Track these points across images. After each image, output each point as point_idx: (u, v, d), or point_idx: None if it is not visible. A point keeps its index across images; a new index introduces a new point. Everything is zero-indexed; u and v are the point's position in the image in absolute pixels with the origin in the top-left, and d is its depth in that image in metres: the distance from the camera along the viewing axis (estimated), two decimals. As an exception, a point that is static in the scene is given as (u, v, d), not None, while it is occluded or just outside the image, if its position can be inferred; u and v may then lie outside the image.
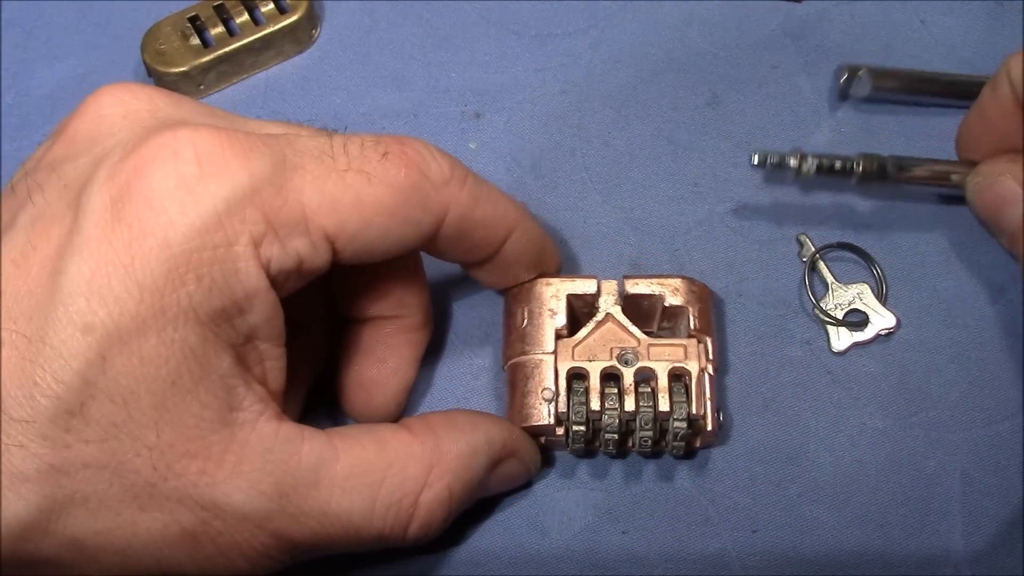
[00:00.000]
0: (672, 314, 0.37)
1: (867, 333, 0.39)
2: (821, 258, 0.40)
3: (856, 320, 0.39)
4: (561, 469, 0.37)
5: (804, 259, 0.40)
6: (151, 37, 0.44)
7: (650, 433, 0.35)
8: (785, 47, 0.45)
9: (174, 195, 0.26)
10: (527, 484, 0.37)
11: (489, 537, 0.36)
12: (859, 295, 0.40)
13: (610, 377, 0.35)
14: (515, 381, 0.36)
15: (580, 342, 0.36)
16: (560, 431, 0.35)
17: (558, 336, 0.36)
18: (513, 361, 0.36)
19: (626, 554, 0.36)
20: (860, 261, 0.40)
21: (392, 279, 0.34)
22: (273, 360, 0.30)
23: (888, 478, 0.37)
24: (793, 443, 0.38)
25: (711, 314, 0.37)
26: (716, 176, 0.42)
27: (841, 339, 0.39)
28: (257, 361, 0.29)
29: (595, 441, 0.36)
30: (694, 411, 0.35)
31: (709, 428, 0.35)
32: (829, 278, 0.40)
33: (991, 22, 0.45)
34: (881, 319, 0.39)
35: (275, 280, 0.28)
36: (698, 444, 0.36)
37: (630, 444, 0.36)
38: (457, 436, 0.32)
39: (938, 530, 0.36)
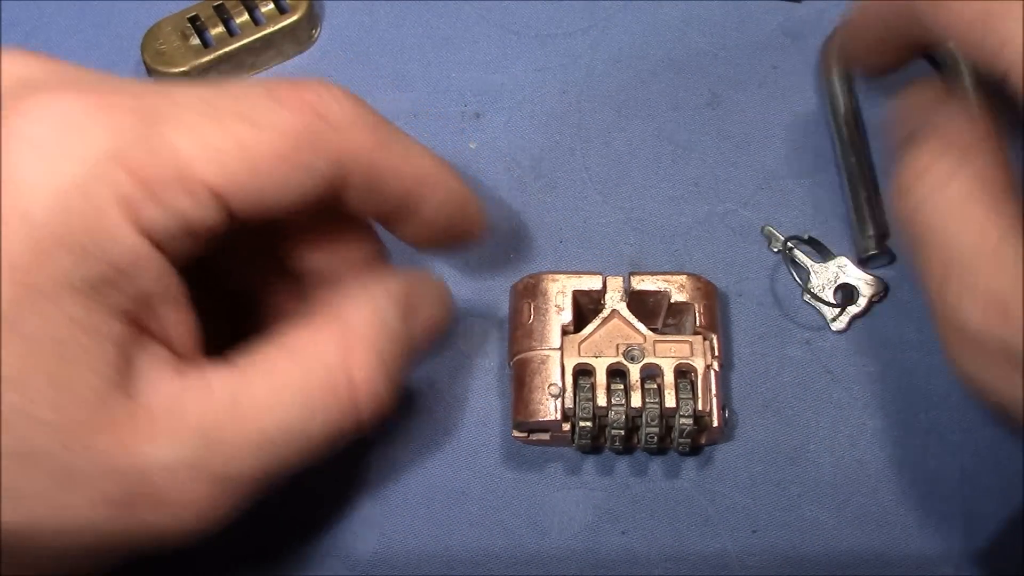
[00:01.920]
0: (678, 311, 0.37)
1: (860, 304, 0.39)
2: (794, 247, 0.40)
3: (847, 294, 0.40)
4: (561, 468, 0.37)
5: (775, 250, 0.40)
6: (151, 37, 0.44)
7: (656, 430, 0.35)
8: (785, 47, 0.45)
9: (32, 167, 0.25)
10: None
11: (489, 537, 0.36)
12: (840, 268, 0.40)
13: (616, 373, 0.35)
14: (521, 377, 0.36)
15: (586, 338, 0.36)
16: (566, 427, 0.35)
17: (564, 332, 0.36)
18: (519, 357, 0.36)
19: (626, 554, 0.36)
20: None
21: (330, 232, 0.33)
22: (178, 324, 0.28)
23: (888, 478, 0.37)
24: (793, 443, 0.38)
25: (716, 311, 0.37)
26: (716, 176, 0.42)
27: (839, 317, 0.39)
28: (159, 325, 0.28)
29: (601, 437, 0.36)
30: (700, 407, 0.35)
31: (715, 424, 0.35)
32: (807, 261, 0.40)
33: (991, 22, 0.45)
34: (869, 286, 0.39)
35: (160, 242, 0.26)
36: (704, 441, 0.36)
37: (636, 441, 0.36)
38: (357, 304, 0.31)
39: (938, 530, 0.36)
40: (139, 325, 0.27)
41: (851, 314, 0.39)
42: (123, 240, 0.26)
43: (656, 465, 0.37)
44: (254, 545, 0.36)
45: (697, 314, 0.36)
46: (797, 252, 0.40)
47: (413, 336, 0.32)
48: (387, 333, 0.30)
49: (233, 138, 0.27)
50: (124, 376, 0.26)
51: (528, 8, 0.46)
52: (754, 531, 0.36)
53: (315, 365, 0.29)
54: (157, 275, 0.27)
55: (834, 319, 0.39)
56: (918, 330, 0.39)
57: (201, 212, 0.27)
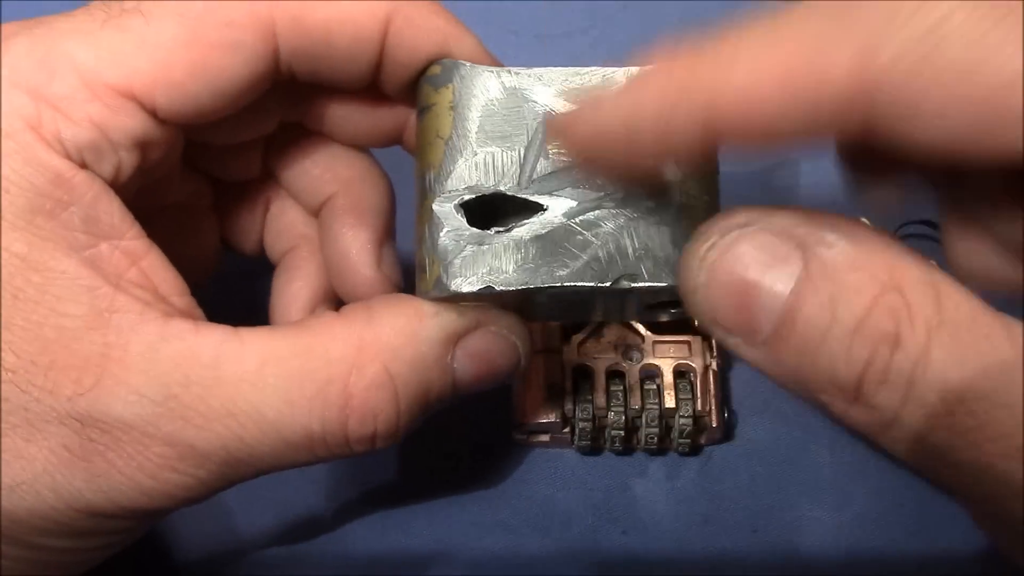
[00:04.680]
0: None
1: None
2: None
3: None
4: (561, 469, 0.37)
5: None
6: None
7: (656, 430, 0.35)
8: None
9: None
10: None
11: (489, 537, 0.36)
12: None
13: (615, 374, 0.35)
14: (521, 378, 0.36)
15: (585, 339, 0.36)
16: (566, 428, 0.35)
17: (564, 333, 0.36)
18: (518, 358, 0.36)
19: (626, 554, 0.36)
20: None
21: (312, 146, 0.31)
22: (147, 259, 0.26)
23: (888, 478, 0.37)
24: (793, 443, 0.38)
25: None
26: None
27: None
28: (127, 263, 0.26)
29: (601, 438, 0.36)
30: (699, 408, 0.35)
31: (714, 424, 0.35)
32: None
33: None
34: None
35: (80, 159, 0.25)
36: (704, 441, 0.37)
37: (636, 441, 0.36)
38: (396, 308, 0.27)
39: (938, 530, 0.36)
40: (105, 264, 0.25)
41: None
42: (43, 162, 0.24)
43: (656, 465, 0.37)
44: (253, 545, 0.36)
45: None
46: None
47: (459, 372, 0.27)
48: (414, 351, 0.26)
49: (131, 34, 0.25)
50: (93, 315, 0.25)
51: (528, 8, 0.46)
52: (754, 531, 0.36)
53: (316, 353, 0.26)
54: (94, 199, 0.25)
55: None
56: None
57: (118, 119, 0.25)
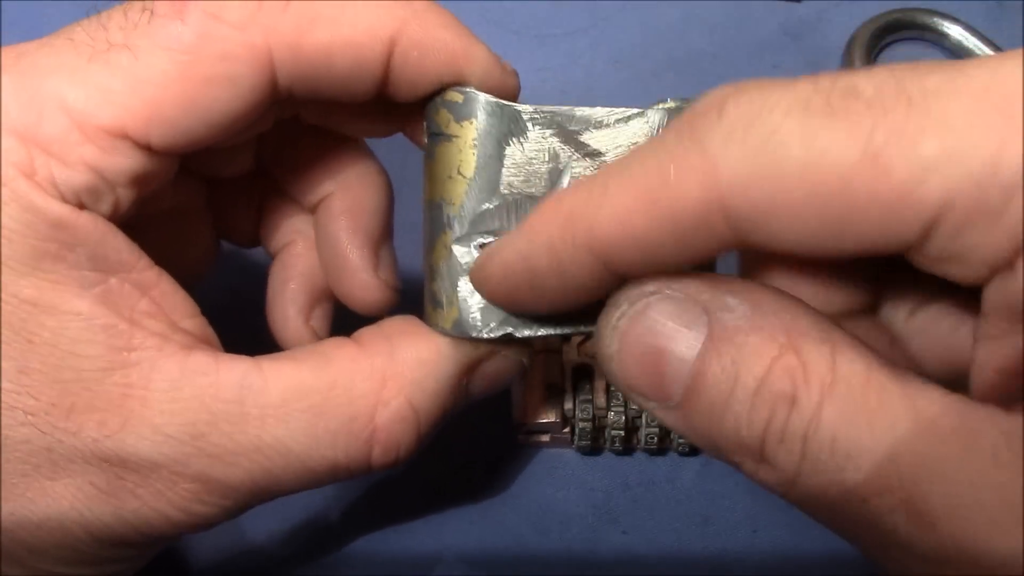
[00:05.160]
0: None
1: None
2: None
3: None
4: (562, 469, 0.37)
5: None
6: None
7: (656, 430, 0.35)
8: (785, 47, 0.45)
9: None
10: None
11: (489, 537, 0.36)
12: None
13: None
14: (521, 378, 0.36)
15: (585, 339, 0.36)
16: (566, 429, 0.35)
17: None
18: (518, 358, 0.36)
19: (626, 554, 0.36)
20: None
21: (314, 151, 0.31)
22: (158, 288, 0.26)
23: (888, 478, 0.37)
24: (793, 443, 0.38)
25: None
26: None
27: None
28: (138, 294, 0.26)
29: (601, 438, 0.36)
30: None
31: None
32: None
33: (991, 22, 0.45)
34: None
35: (78, 202, 0.25)
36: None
37: (636, 441, 0.36)
38: (416, 340, 0.27)
39: (938, 530, 0.36)
40: (117, 301, 0.25)
41: None
42: (41, 209, 0.24)
43: (656, 465, 0.37)
44: (252, 544, 0.36)
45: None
46: None
47: (471, 392, 0.29)
48: (435, 385, 0.27)
49: (120, 71, 0.24)
50: (112, 354, 0.25)
51: (528, 8, 0.46)
52: (754, 531, 0.36)
53: (340, 387, 0.26)
54: (100, 238, 0.25)
55: None
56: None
57: (113, 159, 0.25)
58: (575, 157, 0.26)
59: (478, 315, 0.26)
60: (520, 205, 0.26)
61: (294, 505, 0.37)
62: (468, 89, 0.26)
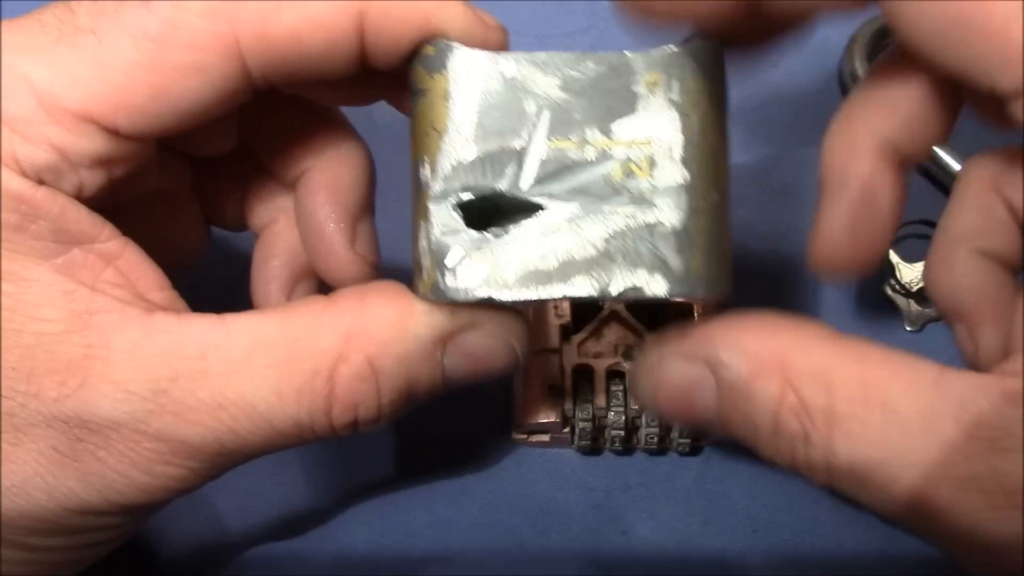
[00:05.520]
0: (677, 310, 0.37)
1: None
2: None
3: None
4: (561, 469, 0.37)
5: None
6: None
7: (656, 430, 0.35)
8: (785, 46, 0.45)
9: None
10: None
11: (489, 537, 0.36)
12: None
13: (616, 374, 0.35)
14: (521, 378, 0.36)
15: (585, 339, 0.36)
16: (566, 428, 0.35)
17: (563, 333, 0.36)
18: (519, 358, 0.36)
19: (626, 554, 0.36)
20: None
21: (290, 126, 0.30)
22: (123, 258, 0.26)
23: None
24: (793, 443, 0.38)
25: (716, 310, 0.37)
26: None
27: (913, 316, 0.39)
28: (102, 264, 0.26)
29: (601, 438, 0.36)
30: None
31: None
32: (894, 257, 0.40)
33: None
34: None
35: (38, 179, 0.25)
36: (704, 441, 0.37)
37: (636, 441, 0.36)
38: (389, 300, 0.26)
39: (938, 530, 0.36)
40: (79, 267, 0.25)
41: (928, 317, 0.39)
42: (2, 182, 0.24)
43: (656, 465, 0.37)
44: (252, 545, 0.36)
45: (696, 313, 0.36)
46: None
47: (449, 368, 0.27)
48: (402, 347, 0.26)
49: (86, 55, 0.24)
50: (73, 318, 0.25)
51: (528, 8, 0.46)
52: (754, 531, 0.36)
53: (305, 341, 0.25)
54: (60, 212, 0.25)
55: (912, 319, 0.39)
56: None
57: (78, 141, 0.25)
58: (557, 100, 0.25)
59: (456, 278, 0.25)
60: (498, 158, 0.25)
61: (291, 506, 0.37)
62: (441, 41, 0.25)
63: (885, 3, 0.24)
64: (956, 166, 0.40)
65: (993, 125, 0.25)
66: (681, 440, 0.35)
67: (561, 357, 0.35)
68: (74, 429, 0.24)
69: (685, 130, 0.25)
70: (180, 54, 0.25)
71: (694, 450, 0.37)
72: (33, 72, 0.24)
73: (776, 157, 0.43)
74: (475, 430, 0.38)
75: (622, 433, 0.35)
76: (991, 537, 0.22)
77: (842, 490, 0.24)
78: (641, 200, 0.25)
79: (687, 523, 0.36)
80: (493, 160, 0.25)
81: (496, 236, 0.25)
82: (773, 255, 0.41)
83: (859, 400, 0.23)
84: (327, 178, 0.30)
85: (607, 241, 0.25)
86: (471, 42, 0.25)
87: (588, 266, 0.25)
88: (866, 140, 0.27)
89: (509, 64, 0.25)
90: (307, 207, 0.30)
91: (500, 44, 0.27)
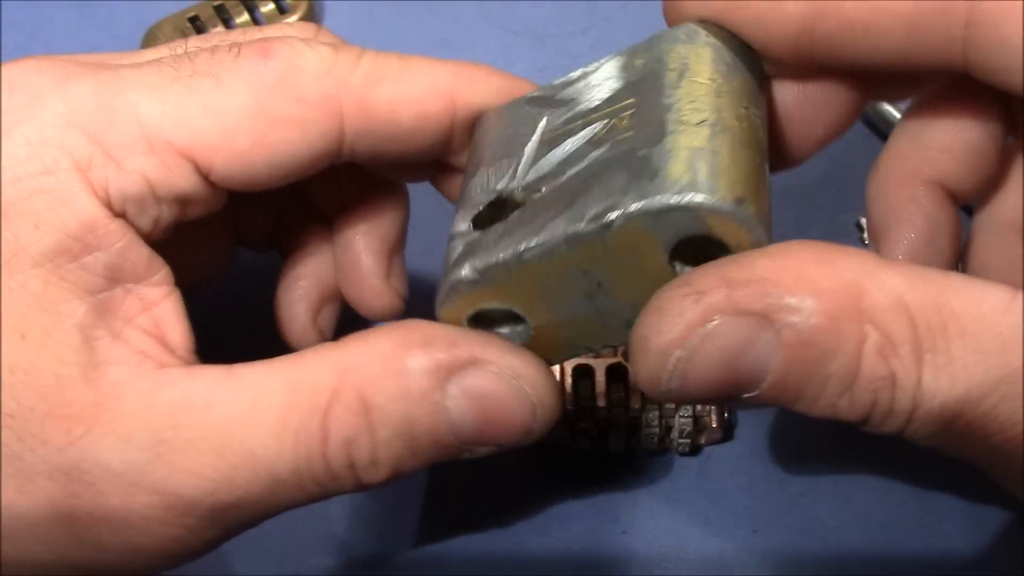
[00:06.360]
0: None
1: None
2: None
3: None
4: (561, 469, 0.37)
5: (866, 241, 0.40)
6: (151, 37, 0.44)
7: (656, 430, 0.35)
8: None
9: None
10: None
11: (490, 537, 0.36)
12: None
13: (616, 374, 0.35)
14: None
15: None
16: (566, 429, 0.35)
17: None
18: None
19: (626, 554, 0.36)
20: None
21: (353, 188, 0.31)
22: (161, 306, 0.26)
23: (889, 478, 0.37)
24: (793, 443, 0.38)
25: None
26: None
27: None
28: (139, 308, 0.25)
29: (601, 439, 0.36)
30: (699, 408, 0.35)
31: (714, 424, 0.35)
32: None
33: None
34: None
35: (122, 209, 0.25)
36: (703, 441, 0.36)
37: (635, 441, 0.36)
38: (387, 335, 0.24)
39: (938, 530, 0.36)
40: (113, 312, 0.25)
41: None
42: (80, 206, 0.24)
43: (656, 465, 0.37)
44: (251, 545, 0.36)
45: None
46: None
47: (446, 419, 0.24)
48: (398, 383, 0.24)
49: (198, 96, 0.25)
50: (88, 366, 0.24)
51: (528, 8, 0.46)
52: (754, 531, 0.36)
53: (305, 383, 0.24)
54: (123, 248, 0.25)
55: None
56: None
57: (169, 176, 0.25)
58: (552, 113, 0.26)
59: (455, 265, 0.24)
60: (501, 171, 0.26)
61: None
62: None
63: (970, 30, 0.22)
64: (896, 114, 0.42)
65: None
66: (681, 440, 0.35)
67: (561, 357, 0.35)
68: (72, 483, 0.23)
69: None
70: (289, 107, 0.25)
71: (694, 450, 0.37)
72: (143, 105, 0.25)
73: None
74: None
75: (622, 433, 0.35)
76: None
77: (920, 438, 0.22)
78: (619, 143, 0.24)
79: (687, 523, 0.36)
80: (497, 173, 0.26)
81: (491, 228, 0.25)
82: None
83: (939, 329, 0.20)
84: (368, 213, 0.31)
85: (582, 190, 0.23)
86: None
87: (568, 220, 0.23)
88: (923, 181, 0.27)
89: (510, 108, 0.27)
90: (346, 237, 0.31)
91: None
